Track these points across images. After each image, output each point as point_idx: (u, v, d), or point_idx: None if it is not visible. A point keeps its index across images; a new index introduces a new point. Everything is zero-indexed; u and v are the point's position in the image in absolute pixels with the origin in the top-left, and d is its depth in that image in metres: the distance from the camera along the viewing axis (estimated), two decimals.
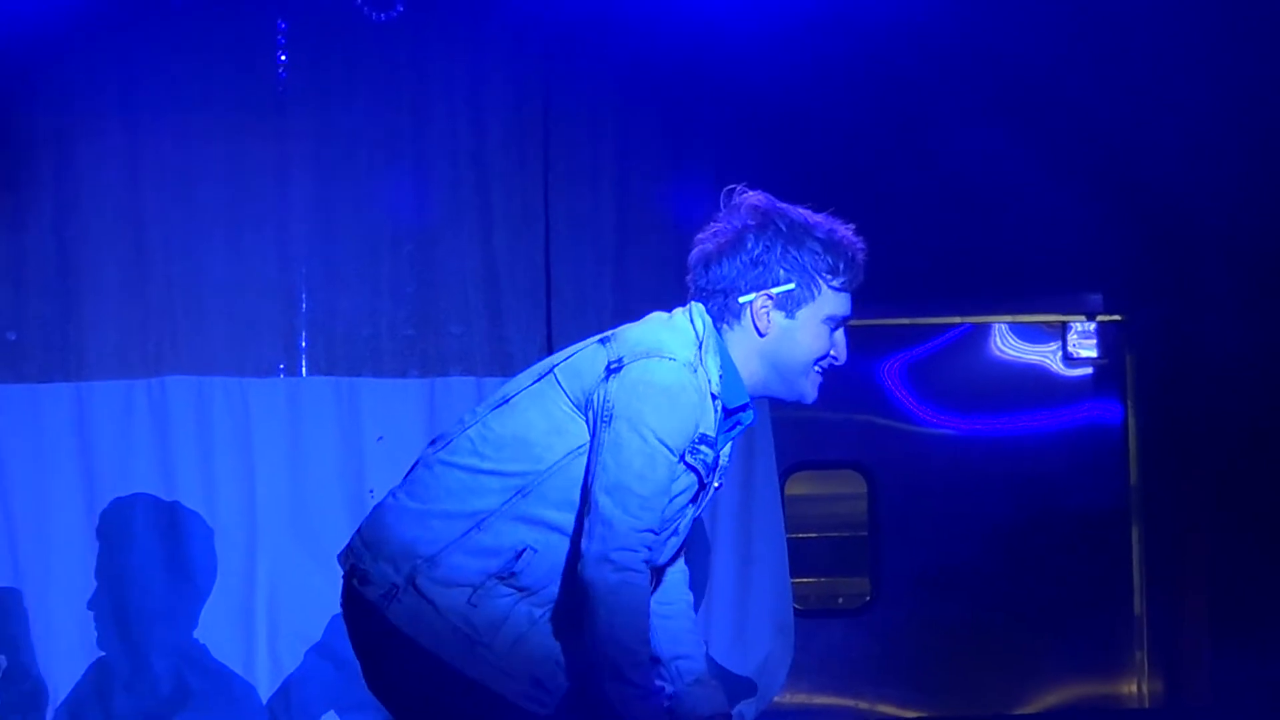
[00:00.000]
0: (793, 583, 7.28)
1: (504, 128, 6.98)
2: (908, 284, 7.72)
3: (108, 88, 6.76)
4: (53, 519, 6.69)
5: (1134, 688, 7.98)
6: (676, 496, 3.98)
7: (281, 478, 6.79)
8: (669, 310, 4.14)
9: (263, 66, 6.84)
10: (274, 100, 6.86)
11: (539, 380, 4.01)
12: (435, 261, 6.90)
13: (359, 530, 4.11)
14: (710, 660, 7.01)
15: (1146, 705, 7.93)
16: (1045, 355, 8.02)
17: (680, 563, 4.28)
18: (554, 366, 4.01)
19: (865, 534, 7.98)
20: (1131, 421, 8.00)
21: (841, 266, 4.03)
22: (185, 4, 6.75)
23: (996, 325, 8.00)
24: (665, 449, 3.89)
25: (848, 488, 8.02)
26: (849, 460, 7.96)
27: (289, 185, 6.85)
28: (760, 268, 4.01)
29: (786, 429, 7.44)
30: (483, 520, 3.95)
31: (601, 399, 3.91)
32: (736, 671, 7.09)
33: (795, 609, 7.29)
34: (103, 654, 6.69)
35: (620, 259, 7.01)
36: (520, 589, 3.97)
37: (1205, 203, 7.36)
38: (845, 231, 4.06)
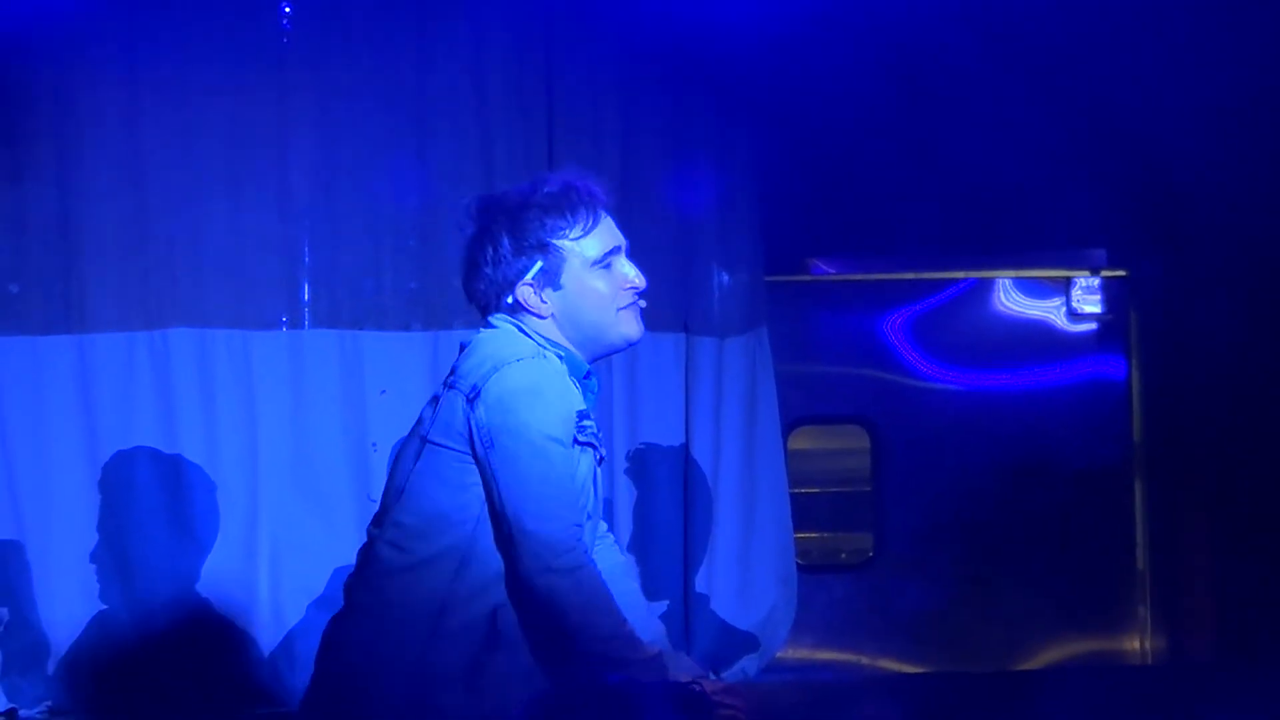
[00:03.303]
0: (795, 538, 7.28)
1: (507, 80, 6.96)
2: (912, 238, 7.70)
3: (109, 41, 6.72)
4: (54, 472, 6.68)
5: (1137, 643, 7.98)
6: (583, 479, 3.96)
7: (284, 431, 6.78)
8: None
9: (266, 21, 6.80)
10: (276, 54, 6.82)
11: (419, 458, 3.97)
12: (438, 215, 6.87)
13: (323, 672, 4.04)
14: (712, 614, 7.03)
15: (1150, 661, 7.93)
16: (1049, 310, 8.00)
17: (617, 554, 4.29)
18: (423, 436, 3.98)
19: (868, 489, 7.97)
20: (1135, 377, 7.99)
21: (569, 218, 3.99)
22: None
23: (1000, 280, 7.98)
24: (555, 442, 3.88)
25: (851, 443, 8.01)
26: (852, 415, 7.94)
27: (291, 139, 6.82)
28: (504, 264, 3.99)
29: (790, 384, 7.44)
30: (443, 606, 3.91)
31: (476, 428, 3.88)
32: (739, 626, 7.10)
33: (798, 564, 7.30)
34: (105, 607, 6.69)
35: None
36: (508, 646, 3.92)
37: (1209, 159, 7.33)
38: (557, 180, 4.02)
